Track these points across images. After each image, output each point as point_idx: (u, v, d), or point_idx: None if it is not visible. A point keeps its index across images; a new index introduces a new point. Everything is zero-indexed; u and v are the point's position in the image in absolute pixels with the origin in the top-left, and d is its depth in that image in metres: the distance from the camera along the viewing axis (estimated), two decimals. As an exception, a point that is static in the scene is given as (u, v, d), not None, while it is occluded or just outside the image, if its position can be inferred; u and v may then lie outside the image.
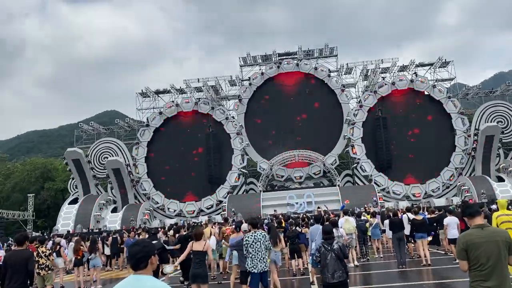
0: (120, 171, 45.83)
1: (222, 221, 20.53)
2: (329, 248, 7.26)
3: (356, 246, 16.11)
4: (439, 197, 43.35)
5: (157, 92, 54.37)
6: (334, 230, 12.62)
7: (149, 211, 45.20)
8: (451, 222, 14.60)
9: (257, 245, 8.80)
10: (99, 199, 45.46)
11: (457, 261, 13.39)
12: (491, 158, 43.70)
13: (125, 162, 47.13)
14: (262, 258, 8.74)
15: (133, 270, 3.30)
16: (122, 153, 48.41)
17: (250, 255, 8.81)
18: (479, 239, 4.68)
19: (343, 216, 16.25)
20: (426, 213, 19.21)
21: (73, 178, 49.18)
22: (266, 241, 8.97)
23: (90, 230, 39.31)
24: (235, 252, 11.15)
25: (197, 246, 8.95)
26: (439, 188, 44.19)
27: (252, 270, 8.74)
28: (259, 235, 8.96)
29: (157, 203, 46.75)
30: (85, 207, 44.37)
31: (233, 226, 14.88)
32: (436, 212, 20.00)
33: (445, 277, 12.07)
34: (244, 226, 12.39)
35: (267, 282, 8.89)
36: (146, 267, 3.29)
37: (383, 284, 11.81)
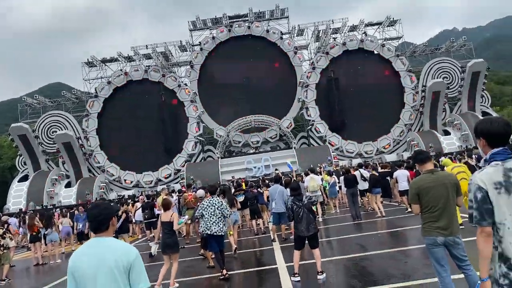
0: (71, 144, 44.20)
1: (183, 189, 20.41)
2: (300, 204, 7.55)
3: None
4: (390, 153, 45.12)
5: (104, 61, 52.06)
6: (289, 190, 13.04)
7: (105, 184, 44.19)
8: (401, 175, 15.32)
9: (211, 209, 9.16)
10: (51, 175, 43.84)
11: (409, 210, 14.17)
12: (437, 113, 45.71)
13: (76, 135, 45.45)
14: (215, 222, 9.06)
15: (94, 233, 3.22)
16: (71, 126, 46.53)
17: (204, 219, 9.16)
18: (429, 183, 4.91)
19: (308, 175, 16.60)
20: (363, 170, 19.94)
21: (20, 155, 47.00)
22: (222, 207, 9.25)
23: (44, 207, 38.04)
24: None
25: (164, 216, 8.95)
26: (390, 145, 45.91)
27: (205, 232, 9.09)
28: (215, 201, 9.33)
29: (113, 175, 45.69)
30: (36, 183, 42.73)
31: (195, 193, 14.88)
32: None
33: (399, 225, 12.68)
34: (199, 192, 12.54)
35: (222, 245, 9.14)
36: (108, 229, 3.21)
37: (342, 236, 12.26)
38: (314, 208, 15.12)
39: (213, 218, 9.10)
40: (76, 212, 19.61)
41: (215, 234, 9.00)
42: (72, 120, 47.11)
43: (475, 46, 56.81)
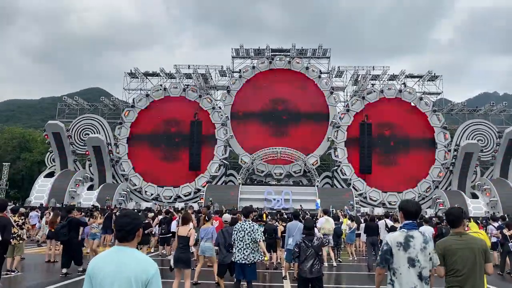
0: (101, 149, 45.28)
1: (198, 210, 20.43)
2: (309, 244, 7.45)
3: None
4: (414, 208, 43.99)
5: (146, 74, 53.70)
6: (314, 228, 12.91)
7: (125, 192, 44.80)
8: (426, 231, 14.89)
9: (241, 234, 8.45)
10: (76, 175, 44.81)
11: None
12: (468, 175, 44.64)
13: (107, 140, 46.56)
14: (242, 248, 8.36)
15: (120, 242, 3.25)
16: (104, 131, 47.78)
17: (234, 244, 8.53)
18: (456, 245, 4.81)
19: (322, 216, 16.37)
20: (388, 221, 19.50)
21: (51, 151, 48.35)
22: (254, 231, 8.42)
23: (63, 205, 38.74)
24: (202, 243, 11.25)
25: (182, 231, 8.95)
26: (415, 199, 44.91)
27: (230, 260, 8.58)
28: (246, 225, 8.56)
29: (135, 185, 46.36)
30: (61, 181, 43.70)
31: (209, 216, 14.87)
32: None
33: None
34: (226, 216, 12.39)
35: (249, 275, 8.40)
36: (133, 239, 3.26)
37: (352, 285, 11.99)
38: (325, 251, 14.99)
39: (240, 244, 8.38)
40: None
41: (238, 262, 8.32)
42: (106, 125, 48.41)
43: (515, 113, 55.67)
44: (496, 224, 17.89)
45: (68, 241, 12.49)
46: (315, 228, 13.63)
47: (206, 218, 11.69)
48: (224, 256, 9.57)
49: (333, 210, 26.79)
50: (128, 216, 3.34)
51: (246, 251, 8.32)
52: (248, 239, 8.36)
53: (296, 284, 11.27)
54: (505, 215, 32.23)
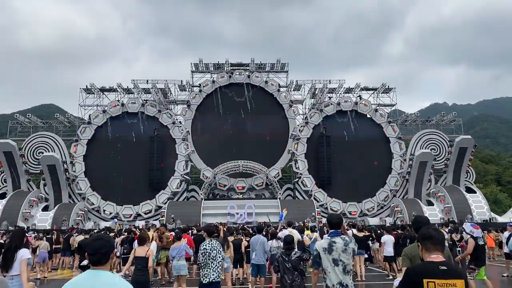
0: (56, 167, 43.67)
1: (160, 228, 20.03)
2: (286, 258, 7.52)
3: None
4: (374, 216, 45.24)
5: (103, 90, 52.53)
6: (274, 241, 12.91)
7: (83, 212, 43.30)
8: (388, 240, 15.34)
9: (213, 253, 8.40)
10: (30, 196, 42.93)
11: (390, 277, 14.10)
12: (423, 183, 46.42)
13: (62, 159, 45.02)
14: (215, 268, 8.33)
15: (93, 265, 3.21)
16: (59, 149, 46.16)
17: (206, 264, 8.38)
18: None
19: (286, 228, 16.45)
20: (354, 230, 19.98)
21: (2, 172, 46.13)
22: (221, 251, 8.56)
23: (16, 228, 36.90)
24: (175, 262, 10.97)
25: (139, 251, 8.65)
26: (373, 208, 46.12)
27: (205, 280, 8.33)
28: (215, 244, 8.56)
29: (93, 204, 44.91)
30: (13, 203, 41.74)
31: (173, 234, 14.61)
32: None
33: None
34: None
35: None
36: (107, 262, 3.23)
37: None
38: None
39: (213, 264, 8.32)
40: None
41: (213, 281, 8.26)
42: (61, 143, 46.81)
43: (464, 122, 58.60)
44: (447, 230, 18.77)
45: None
46: (279, 240, 13.75)
47: (178, 236, 11.46)
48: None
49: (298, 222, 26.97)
50: (102, 239, 3.32)
51: (219, 270, 8.38)
52: (220, 257, 8.41)
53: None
54: (457, 220, 33.73)
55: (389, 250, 15.04)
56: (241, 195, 46.62)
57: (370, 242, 18.26)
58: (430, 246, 3.78)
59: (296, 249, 8.16)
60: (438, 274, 3.49)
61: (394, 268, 15.24)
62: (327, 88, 52.50)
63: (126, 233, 17.93)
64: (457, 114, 53.72)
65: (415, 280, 3.51)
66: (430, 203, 45.43)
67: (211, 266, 8.31)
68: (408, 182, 46.85)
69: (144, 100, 49.67)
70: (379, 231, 20.24)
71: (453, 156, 47.37)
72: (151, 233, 14.90)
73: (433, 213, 42.67)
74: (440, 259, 3.65)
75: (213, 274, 8.27)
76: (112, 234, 18.67)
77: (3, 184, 45.96)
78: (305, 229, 21.48)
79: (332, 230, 5.67)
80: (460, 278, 3.52)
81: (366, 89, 54.21)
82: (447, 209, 43.12)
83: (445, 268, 3.54)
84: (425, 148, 47.07)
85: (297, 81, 54.05)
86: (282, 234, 15.89)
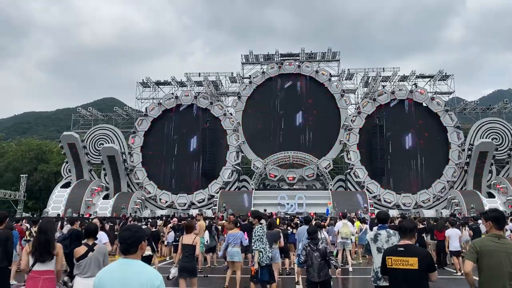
0: (115, 158, 45.91)
1: (220, 218, 20.54)
2: (314, 248, 7.55)
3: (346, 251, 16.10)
4: (429, 208, 43.72)
5: (158, 83, 54.43)
6: (319, 232, 12.94)
7: (140, 201, 45.32)
8: (453, 234, 14.60)
9: (265, 238, 9.13)
10: (92, 185, 45.50)
11: (458, 274, 13.49)
12: (483, 174, 44.08)
13: (121, 150, 47.21)
14: (267, 251, 8.99)
15: (123, 255, 3.39)
16: (118, 141, 48.45)
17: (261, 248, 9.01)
18: (493, 247, 4.71)
19: (340, 220, 16.36)
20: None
21: (67, 162, 49.18)
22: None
23: (80, 215, 39.36)
24: (230, 248, 11.24)
25: (186, 239, 8.88)
26: (429, 200, 44.53)
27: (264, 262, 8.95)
28: (263, 229, 9.20)
29: (150, 193, 46.88)
30: (77, 191, 44.41)
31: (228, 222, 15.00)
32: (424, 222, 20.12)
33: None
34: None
35: (267, 276, 9.02)
36: (136, 252, 3.38)
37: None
38: (339, 256, 15.02)
39: (267, 247, 9.07)
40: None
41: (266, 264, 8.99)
42: (120, 135, 49.10)
43: (530, 110, 54.81)
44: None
45: (69, 253, 12.58)
46: (324, 231, 13.78)
47: (233, 224, 11.82)
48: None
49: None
50: (129, 230, 3.49)
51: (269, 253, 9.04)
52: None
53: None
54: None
55: (455, 245, 14.27)
56: (292, 186, 46.69)
57: (424, 235, 17.55)
58: (401, 235, 5.36)
59: (321, 240, 8.14)
60: (396, 253, 5.01)
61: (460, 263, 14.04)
62: (380, 76, 51.05)
63: (177, 221, 18.63)
64: (522, 101, 50.37)
65: (383, 257, 5.15)
66: (491, 195, 43.13)
67: (266, 249, 8.93)
68: (467, 174, 44.70)
69: (197, 92, 50.94)
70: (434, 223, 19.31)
71: (517, 145, 44.57)
72: (200, 223, 15.33)
73: (495, 206, 40.51)
74: (404, 243, 5.14)
75: (266, 258, 8.93)
76: (160, 222, 19.43)
77: (67, 174, 48.99)
78: (354, 220, 21.26)
79: (380, 225, 6.93)
80: (414, 257, 4.87)
81: (422, 76, 52.15)
82: (509, 201, 40.76)
83: (402, 249, 5.00)
84: (486, 138, 44.61)
85: (349, 69, 53.07)
86: (337, 226, 15.91)
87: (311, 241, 7.78)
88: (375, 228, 6.91)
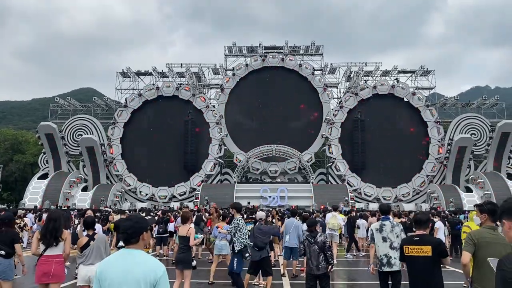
0: (94, 149, 45.02)
1: (203, 210, 20.38)
2: (312, 241, 7.49)
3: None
4: (409, 202, 44.37)
5: (138, 74, 53.47)
6: (305, 225, 12.89)
7: (120, 193, 44.61)
8: (441, 226, 14.84)
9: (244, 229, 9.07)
10: (70, 176, 44.58)
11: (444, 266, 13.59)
12: (461, 169, 44.96)
13: (100, 141, 46.31)
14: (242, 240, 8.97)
15: (125, 245, 3.30)
16: (97, 132, 47.51)
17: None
18: (490, 238, 4.67)
19: (331, 212, 16.36)
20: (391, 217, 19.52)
21: (44, 153, 48.05)
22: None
23: (58, 207, 38.49)
24: (217, 241, 11.22)
25: (182, 230, 8.84)
26: (409, 193, 45.20)
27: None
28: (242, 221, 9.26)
29: (129, 185, 46.19)
30: (54, 183, 43.49)
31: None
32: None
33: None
34: (260, 214, 11.79)
35: (240, 269, 9.10)
36: (138, 242, 3.28)
37: (357, 281, 11.99)
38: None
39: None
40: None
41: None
42: (99, 126, 48.14)
43: (507, 106, 56.10)
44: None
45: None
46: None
47: (221, 217, 11.66)
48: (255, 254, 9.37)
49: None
50: (130, 220, 3.39)
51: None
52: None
53: (294, 282, 11.32)
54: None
55: (441, 238, 14.46)
56: (274, 179, 46.71)
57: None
58: (416, 227, 5.87)
59: (320, 233, 8.07)
60: (412, 242, 5.64)
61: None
62: (362, 71, 51.39)
63: (161, 214, 18.34)
64: (500, 98, 51.51)
65: (401, 246, 5.81)
66: (469, 190, 44.04)
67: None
68: (446, 168, 45.49)
69: (179, 83, 50.20)
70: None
71: (495, 141, 45.52)
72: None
73: (472, 200, 41.35)
74: (420, 233, 5.71)
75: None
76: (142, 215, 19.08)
77: (45, 165, 47.88)
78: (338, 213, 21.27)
79: (383, 216, 7.60)
80: (428, 245, 5.48)
81: (404, 71, 52.72)
82: (486, 196, 41.62)
83: (417, 238, 5.63)
84: (465, 133, 45.44)
85: (332, 64, 53.23)
86: (326, 217, 15.89)
87: (309, 234, 7.72)
88: (374, 221, 7.28)
